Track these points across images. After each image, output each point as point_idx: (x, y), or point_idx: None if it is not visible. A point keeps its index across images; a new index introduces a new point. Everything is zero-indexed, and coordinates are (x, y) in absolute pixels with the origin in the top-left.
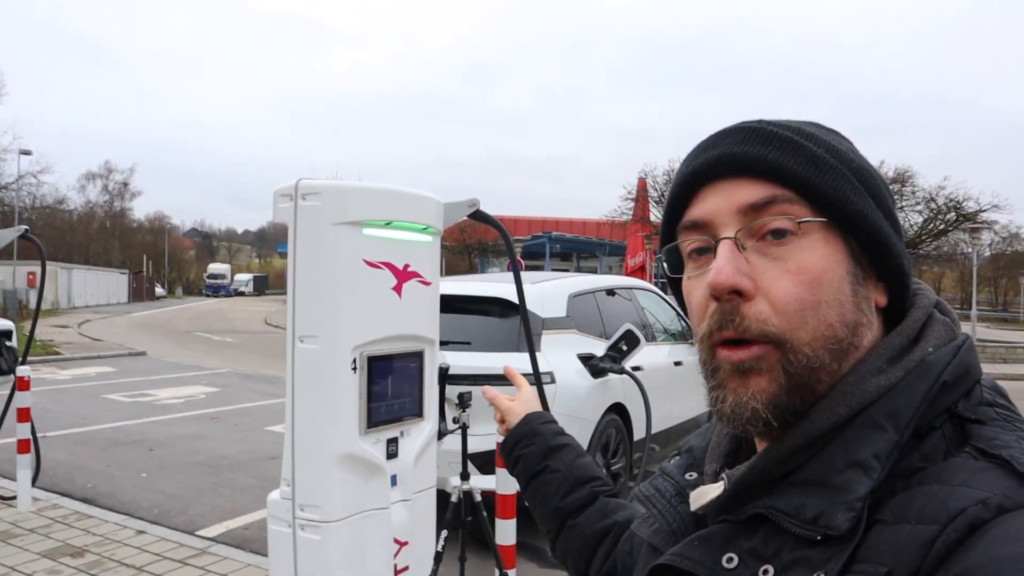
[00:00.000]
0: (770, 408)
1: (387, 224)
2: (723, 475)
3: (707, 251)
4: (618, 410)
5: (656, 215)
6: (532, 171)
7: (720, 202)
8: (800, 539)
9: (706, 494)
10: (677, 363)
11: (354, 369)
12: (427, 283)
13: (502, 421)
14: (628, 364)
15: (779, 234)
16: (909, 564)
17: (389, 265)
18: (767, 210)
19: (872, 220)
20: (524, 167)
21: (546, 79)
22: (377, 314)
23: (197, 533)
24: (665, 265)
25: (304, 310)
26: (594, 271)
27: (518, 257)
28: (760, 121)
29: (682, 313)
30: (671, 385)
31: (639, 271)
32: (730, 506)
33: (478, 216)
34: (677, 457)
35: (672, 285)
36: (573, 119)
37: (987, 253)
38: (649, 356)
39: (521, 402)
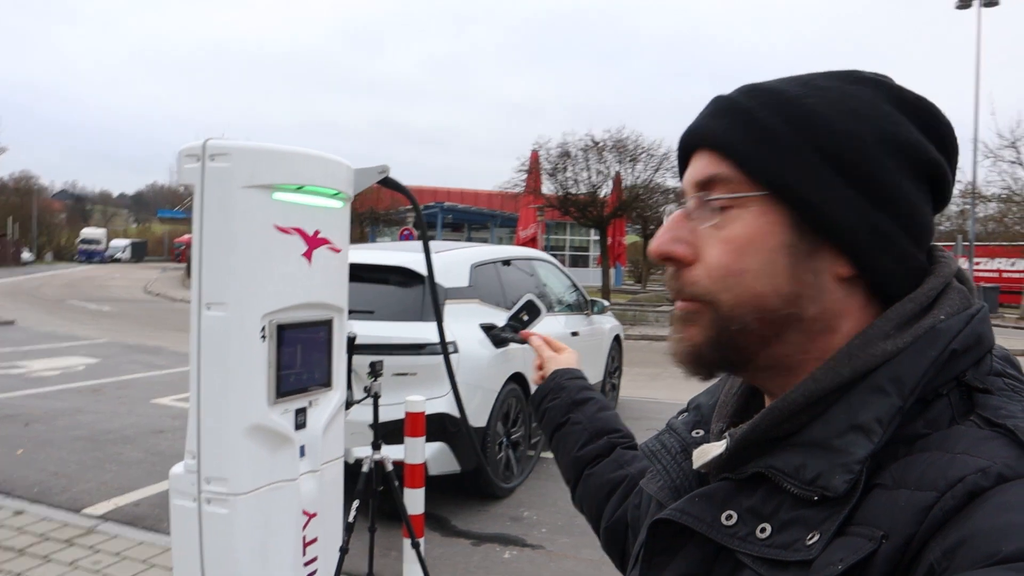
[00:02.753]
0: (692, 355)
1: (298, 189)
2: (727, 433)
3: None
4: (518, 379)
5: (549, 187)
6: (418, 139)
7: (688, 174)
8: (798, 499)
9: (708, 452)
10: (574, 333)
11: (263, 337)
12: (337, 250)
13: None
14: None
15: (722, 205)
16: (905, 529)
17: (300, 231)
18: (711, 185)
19: (806, 196)
20: (410, 135)
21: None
22: (287, 281)
23: (83, 511)
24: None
25: (212, 276)
26: (485, 242)
27: (410, 227)
28: (741, 88)
29: (578, 285)
30: None
31: (531, 242)
32: (731, 464)
33: (388, 183)
34: (685, 414)
35: None
36: (459, 89)
37: None
38: (548, 326)
39: (560, 358)
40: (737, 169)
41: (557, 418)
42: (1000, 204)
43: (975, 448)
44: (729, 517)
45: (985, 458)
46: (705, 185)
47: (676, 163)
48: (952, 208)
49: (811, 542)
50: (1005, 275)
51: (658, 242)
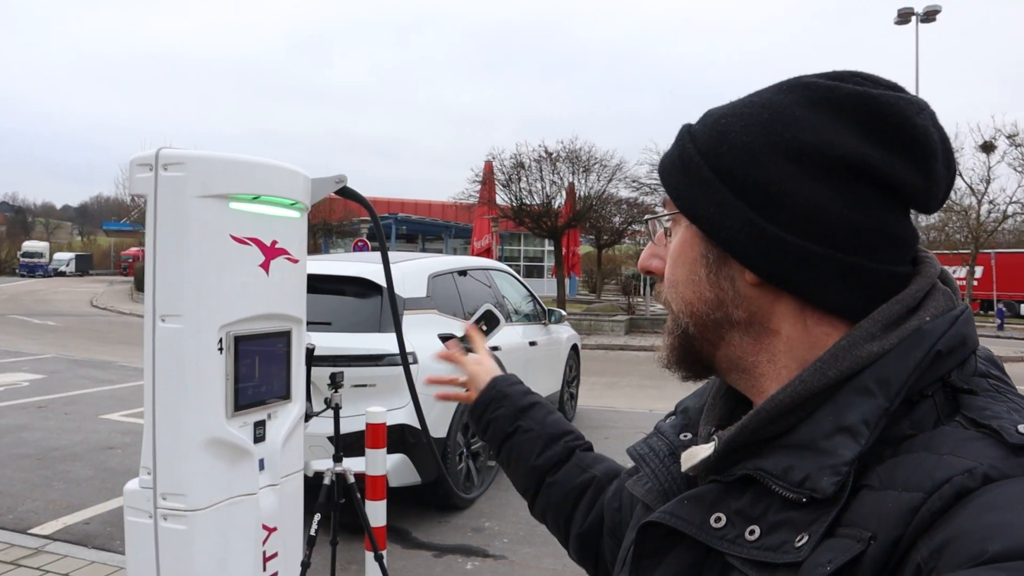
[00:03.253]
0: (666, 359)
1: (255, 198)
2: (714, 436)
3: None
4: None
5: (503, 198)
6: (369, 149)
7: None
8: (787, 501)
9: (696, 454)
10: (532, 343)
11: (220, 349)
12: (295, 260)
13: (465, 387)
14: (487, 344)
15: (669, 225)
16: (893, 530)
17: (256, 241)
18: (665, 205)
19: (697, 212)
20: (361, 144)
21: (380, 58)
22: (244, 292)
23: (30, 531)
24: None
25: (166, 287)
26: (440, 253)
27: (363, 238)
28: (702, 115)
29: (535, 295)
30: (526, 365)
31: (486, 253)
32: (720, 467)
33: (345, 192)
34: (672, 417)
35: None
36: (408, 99)
37: None
38: (506, 336)
39: (485, 368)
40: (667, 193)
41: (505, 427)
42: (941, 214)
43: (961, 449)
44: (718, 519)
45: (971, 459)
46: (665, 206)
47: (628, 173)
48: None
49: (800, 544)
50: None
51: (642, 256)
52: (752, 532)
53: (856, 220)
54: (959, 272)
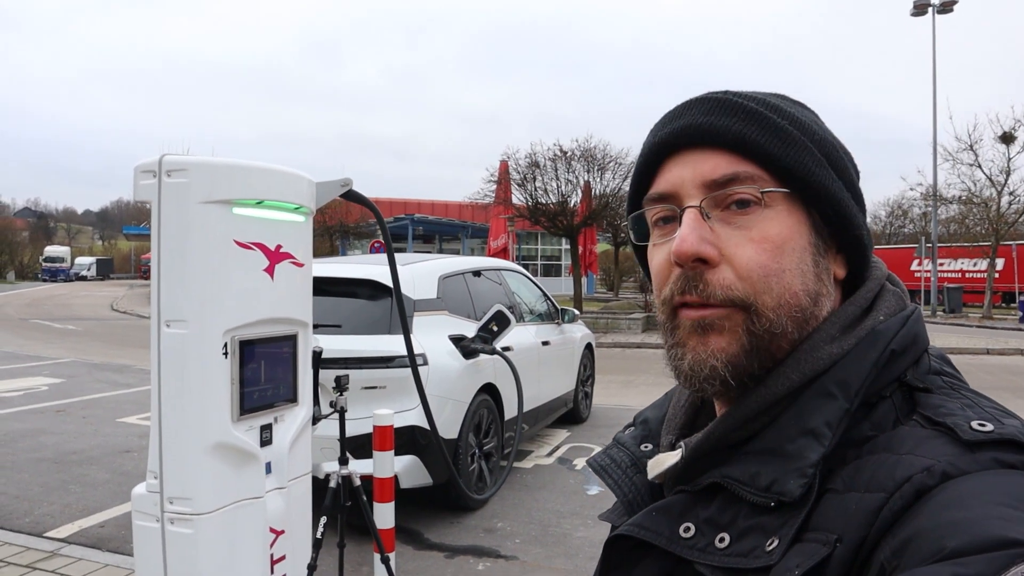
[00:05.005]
0: (728, 368)
1: (258, 203)
2: (680, 443)
3: (673, 220)
4: (489, 390)
5: (519, 197)
6: (382, 150)
7: (685, 173)
8: (755, 507)
9: (663, 462)
10: (545, 343)
11: (225, 354)
12: (300, 264)
13: None
14: (499, 344)
15: (743, 204)
16: (857, 531)
17: (261, 246)
18: (729, 184)
19: (834, 192)
20: (374, 145)
21: (391, 59)
22: (249, 297)
23: (46, 535)
24: (631, 233)
25: (171, 293)
26: (457, 253)
27: (379, 239)
28: (726, 92)
29: (548, 294)
30: (539, 365)
31: (502, 252)
32: (687, 475)
33: (351, 196)
34: (632, 428)
35: (637, 253)
36: (420, 100)
37: None
38: (518, 336)
39: None
40: (760, 167)
41: None
42: (961, 206)
43: (919, 448)
44: (687, 529)
45: (929, 457)
46: (722, 184)
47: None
48: (915, 211)
49: (770, 548)
50: (968, 275)
51: (689, 242)
52: (722, 540)
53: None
54: (980, 264)
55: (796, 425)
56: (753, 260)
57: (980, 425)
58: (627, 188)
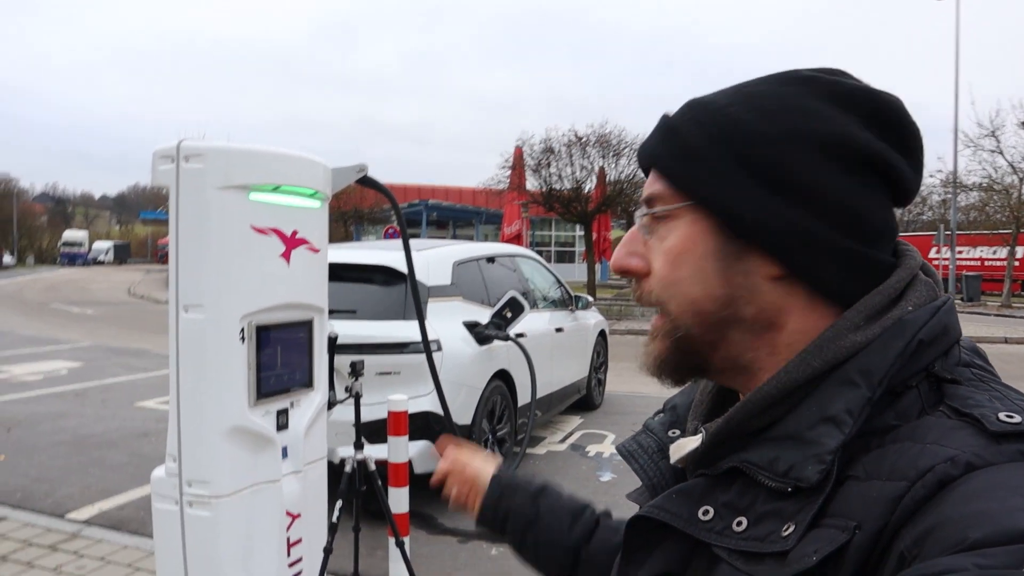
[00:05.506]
0: (655, 365)
1: (275, 189)
2: (702, 428)
3: None
4: (503, 376)
5: (533, 183)
6: (398, 135)
7: (643, 192)
8: (773, 492)
9: (684, 446)
10: (558, 329)
11: (242, 339)
12: (316, 250)
13: (452, 494)
14: (512, 331)
15: (662, 218)
16: (878, 519)
17: (277, 231)
18: (652, 202)
19: (722, 202)
20: (390, 130)
21: (407, 44)
22: (265, 282)
23: (67, 516)
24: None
25: (189, 278)
26: (471, 239)
27: (394, 225)
28: (684, 106)
29: (562, 281)
30: (552, 351)
31: (516, 239)
32: (707, 459)
33: (366, 182)
34: (661, 414)
35: None
36: (436, 85)
37: None
38: (532, 323)
39: (475, 465)
40: (668, 184)
41: (526, 513)
42: (981, 193)
43: (944, 438)
44: (706, 512)
45: (954, 447)
46: (649, 202)
47: None
48: (934, 198)
49: (786, 533)
50: (987, 263)
51: (616, 257)
52: (739, 523)
53: (869, 211)
54: (1000, 252)
55: (816, 412)
56: (660, 271)
57: (1008, 417)
58: (642, 174)
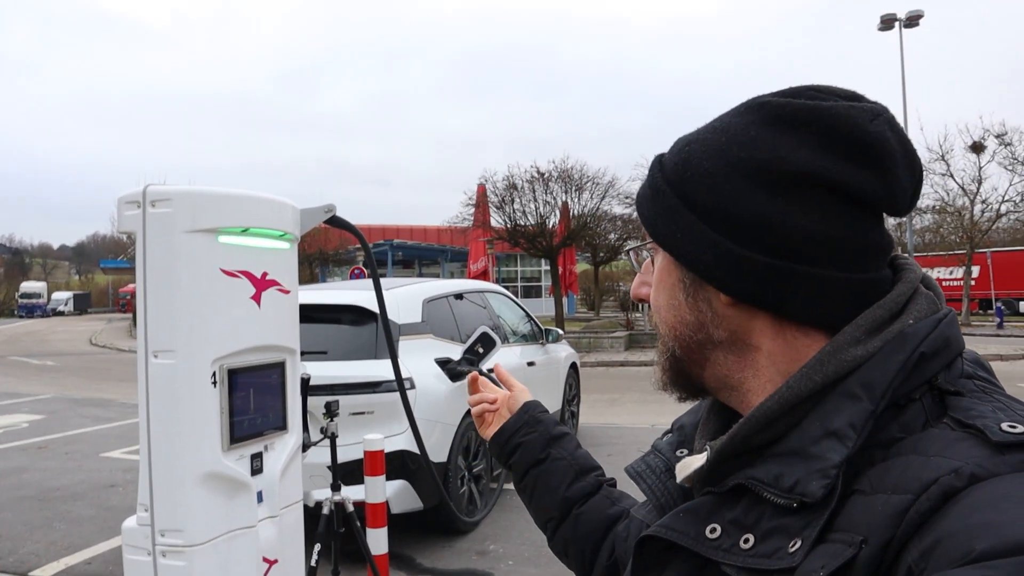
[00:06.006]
0: (660, 381)
1: (244, 231)
2: (707, 446)
3: None
4: None
5: (497, 220)
6: (362, 178)
7: None
8: (779, 508)
9: (690, 465)
10: (530, 363)
11: (213, 383)
12: (286, 291)
13: (480, 416)
14: (485, 366)
15: (653, 249)
16: (884, 533)
17: (247, 274)
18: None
19: (665, 240)
20: (353, 173)
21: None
22: (236, 325)
23: (30, 574)
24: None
25: (157, 323)
26: (437, 277)
27: (360, 265)
28: (674, 142)
29: (532, 315)
30: (525, 385)
31: (482, 275)
32: (713, 477)
33: (335, 222)
34: (669, 434)
35: None
36: (398, 126)
37: None
38: (503, 357)
39: (521, 389)
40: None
41: (536, 454)
42: (935, 215)
43: (948, 450)
44: (713, 530)
45: (958, 459)
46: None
47: (621, 189)
48: (890, 221)
49: (793, 549)
50: (945, 284)
51: (632, 287)
52: (747, 541)
53: (819, 232)
54: (956, 272)
55: (819, 426)
56: (651, 299)
57: (1011, 427)
58: (605, 207)
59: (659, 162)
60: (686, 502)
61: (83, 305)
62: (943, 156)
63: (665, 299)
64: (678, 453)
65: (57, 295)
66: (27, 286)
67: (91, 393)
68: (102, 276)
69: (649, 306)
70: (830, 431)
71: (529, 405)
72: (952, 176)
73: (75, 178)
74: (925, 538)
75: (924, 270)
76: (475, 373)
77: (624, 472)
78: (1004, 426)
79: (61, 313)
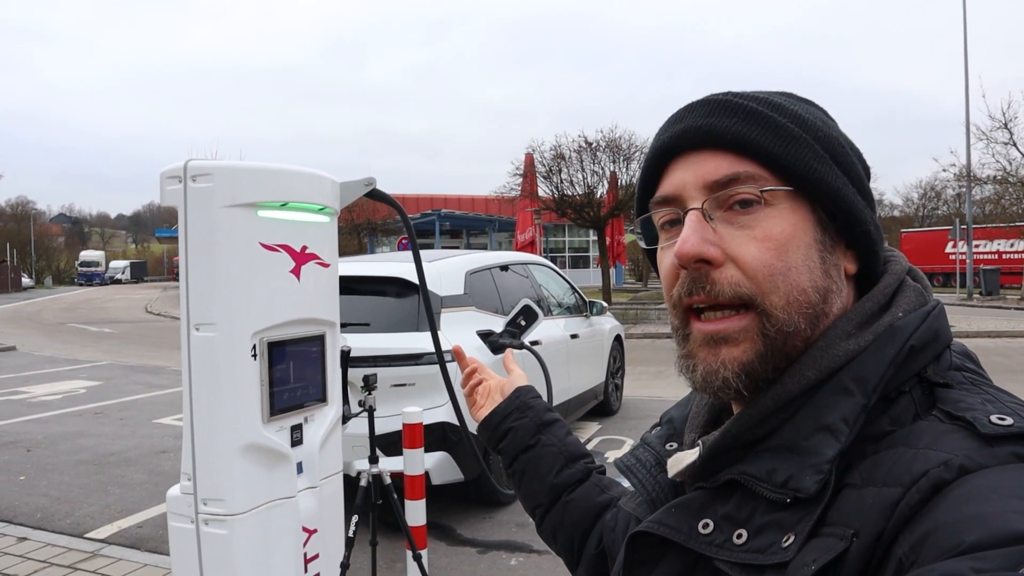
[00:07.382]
0: (741, 377)
1: (283, 205)
2: (699, 441)
3: (678, 222)
4: None
5: (545, 190)
6: (408, 147)
7: (687, 175)
8: (772, 503)
9: (682, 460)
10: (574, 336)
11: (254, 356)
12: (326, 264)
13: (471, 397)
14: (527, 339)
15: (746, 203)
16: (875, 526)
17: (286, 247)
18: (731, 184)
19: (836, 188)
20: (400, 143)
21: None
22: (276, 298)
23: (86, 535)
24: (642, 236)
25: (199, 296)
26: (484, 248)
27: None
28: (727, 93)
29: (576, 287)
30: (568, 358)
31: (529, 246)
32: (705, 472)
33: (375, 195)
34: (658, 428)
35: (648, 256)
36: (444, 96)
37: None
38: (546, 330)
39: (517, 374)
40: (762, 166)
41: (525, 439)
42: (996, 186)
43: (937, 442)
44: (706, 526)
45: (947, 451)
46: (724, 185)
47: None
48: (949, 192)
49: (786, 544)
50: (1005, 256)
51: (690, 244)
52: (740, 536)
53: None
54: (1018, 245)
55: (812, 422)
56: (758, 259)
57: (1000, 419)
58: None
59: (768, 108)
60: (677, 496)
61: (139, 273)
62: (1006, 124)
63: (799, 259)
64: (668, 447)
65: (115, 264)
66: (86, 255)
67: (145, 360)
68: (157, 245)
69: (704, 275)
70: (823, 426)
71: (521, 390)
72: (1015, 145)
73: (130, 150)
74: (915, 530)
75: (981, 242)
76: (508, 353)
77: (614, 466)
78: (993, 418)
79: (119, 281)
